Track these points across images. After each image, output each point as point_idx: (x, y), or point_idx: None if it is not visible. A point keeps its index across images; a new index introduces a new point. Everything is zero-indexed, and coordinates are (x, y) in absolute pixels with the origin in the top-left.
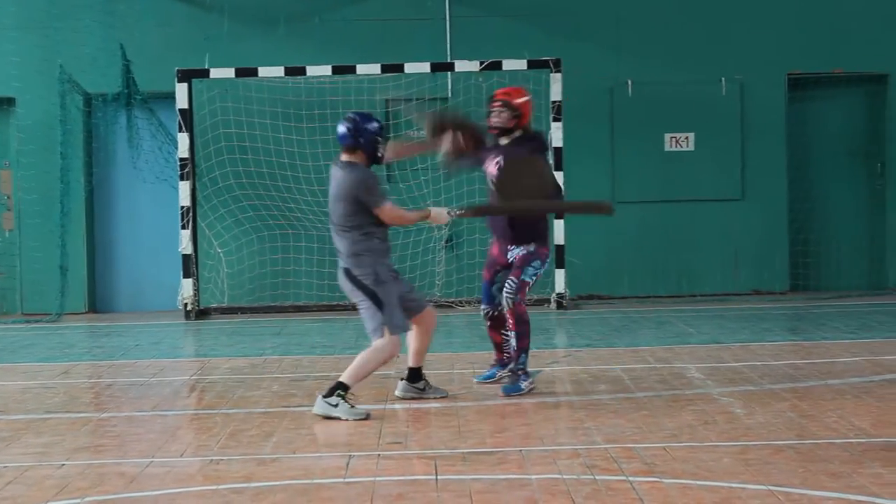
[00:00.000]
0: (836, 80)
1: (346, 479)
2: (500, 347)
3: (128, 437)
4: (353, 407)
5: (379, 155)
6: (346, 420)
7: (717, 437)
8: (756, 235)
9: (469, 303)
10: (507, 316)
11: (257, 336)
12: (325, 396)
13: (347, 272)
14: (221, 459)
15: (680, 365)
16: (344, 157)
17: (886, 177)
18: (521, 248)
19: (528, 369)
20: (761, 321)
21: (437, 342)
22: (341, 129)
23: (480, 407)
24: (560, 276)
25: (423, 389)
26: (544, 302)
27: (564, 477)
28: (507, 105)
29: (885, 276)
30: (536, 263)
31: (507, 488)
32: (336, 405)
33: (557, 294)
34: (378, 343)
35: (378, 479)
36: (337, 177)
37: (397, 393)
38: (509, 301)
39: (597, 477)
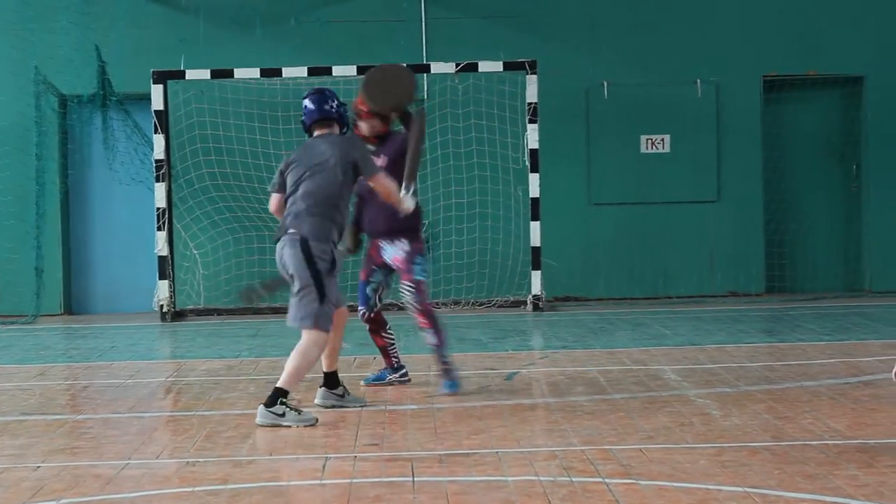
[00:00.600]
0: (812, 83)
1: (323, 481)
2: (386, 352)
3: (104, 439)
4: (300, 413)
5: (349, 126)
6: (297, 427)
7: (694, 439)
8: (732, 237)
9: (446, 304)
10: (417, 317)
11: (234, 338)
12: (267, 406)
13: (304, 243)
14: (198, 461)
15: (656, 367)
16: (319, 132)
17: (862, 179)
18: (395, 247)
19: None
20: (737, 323)
21: (416, 344)
22: (311, 104)
23: (457, 409)
24: (536, 277)
25: (343, 396)
26: (521, 304)
27: (541, 479)
28: (376, 114)
29: (860, 277)
30: (419, 259)
31: (484, 490)
32: (283, 414)
33: (534, 296)
34: (308, 340)
35: (354, 480)
36: (320, 149)
37: (317, 401)
38: (415, 305)
39: (573, 479)
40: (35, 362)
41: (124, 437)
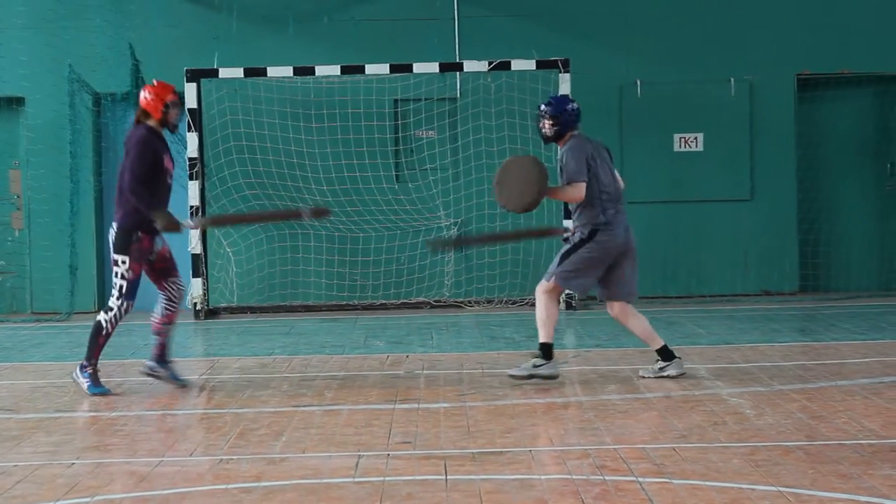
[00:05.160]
0: (846, 81)
1: (356, 479)
2: None
3: (137, 436)
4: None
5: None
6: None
7: (727, 438)
8: (765, 236)
9: (478, 303)
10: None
11: (266, 335)
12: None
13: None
14: (231, 459)
15: (689, 365)
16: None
17: None
18: None
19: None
20: (771, 322)
21: (448, 342)
22: (576, 108)
23: (489, 407)
24: None
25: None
26: None
27: (574, 477)
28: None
29: (895, 276)
30: None
31: (517, 488)
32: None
33: (566, 295)
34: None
35: (387, 479)
36: (598, 147)
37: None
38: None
39: (606, 477)
40: (69, 359)
41: (158, 434)
